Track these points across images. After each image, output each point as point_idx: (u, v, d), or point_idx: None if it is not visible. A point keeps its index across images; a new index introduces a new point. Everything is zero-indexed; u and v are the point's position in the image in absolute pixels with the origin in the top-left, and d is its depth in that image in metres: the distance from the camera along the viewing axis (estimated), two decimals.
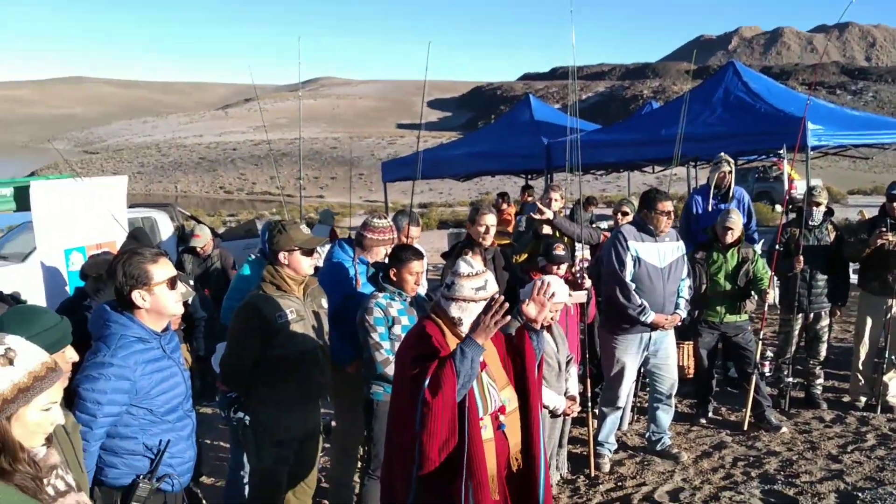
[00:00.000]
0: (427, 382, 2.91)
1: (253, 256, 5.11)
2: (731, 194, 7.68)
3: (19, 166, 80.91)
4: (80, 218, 7.16)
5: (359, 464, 5.02)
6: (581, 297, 5.39)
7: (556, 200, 7.16)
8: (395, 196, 20.35)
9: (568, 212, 7.74)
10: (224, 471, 5.27)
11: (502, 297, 2.98)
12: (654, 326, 5.68)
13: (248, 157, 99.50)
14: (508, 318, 2.98)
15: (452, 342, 3.10)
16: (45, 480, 2.07)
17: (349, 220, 21.93)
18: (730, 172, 7.71)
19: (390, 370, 4.27)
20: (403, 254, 4.46)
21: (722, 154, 7.80)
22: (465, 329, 3.11)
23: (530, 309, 3.40)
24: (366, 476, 4.53)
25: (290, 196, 60.36)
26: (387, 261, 4.61)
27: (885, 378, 6.70)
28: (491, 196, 34.39)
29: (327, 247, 5.59)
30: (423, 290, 5.31)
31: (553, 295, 3.52)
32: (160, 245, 11.09)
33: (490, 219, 5.78)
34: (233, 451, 4.64)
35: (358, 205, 48.45)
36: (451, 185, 56.46)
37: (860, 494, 5.13)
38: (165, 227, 11.72)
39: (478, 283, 3.18)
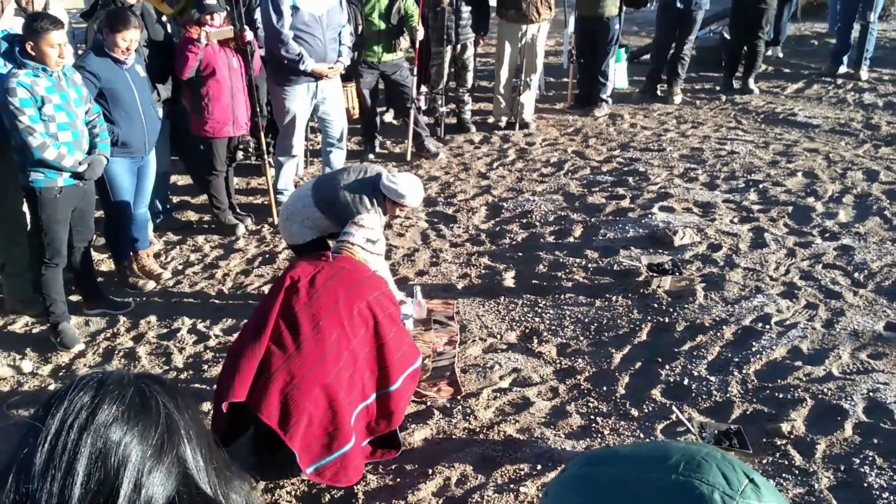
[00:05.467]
0: None
1: None
2: None
3: None
4: None
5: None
6: (227, 32, 5.25)
7: None
8: None
9: None
10: None
11: None
12: (317, 76, 5.76)
13: None
14: None
15: None
16: None
17: None
18: None
19: (49, 154, 3.98)
20: (38, 24, 3.95)
21: None
22: None
23: None
24: (43, 266, 4.33)
25: None
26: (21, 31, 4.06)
27: (522, 98, 7.57)
28: None
29: None
30: (69, 60, 4.82)
31: None
32: None
33: None
34: None
35: None
36: None
37: (504, 204, 6.01)
38: None
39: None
